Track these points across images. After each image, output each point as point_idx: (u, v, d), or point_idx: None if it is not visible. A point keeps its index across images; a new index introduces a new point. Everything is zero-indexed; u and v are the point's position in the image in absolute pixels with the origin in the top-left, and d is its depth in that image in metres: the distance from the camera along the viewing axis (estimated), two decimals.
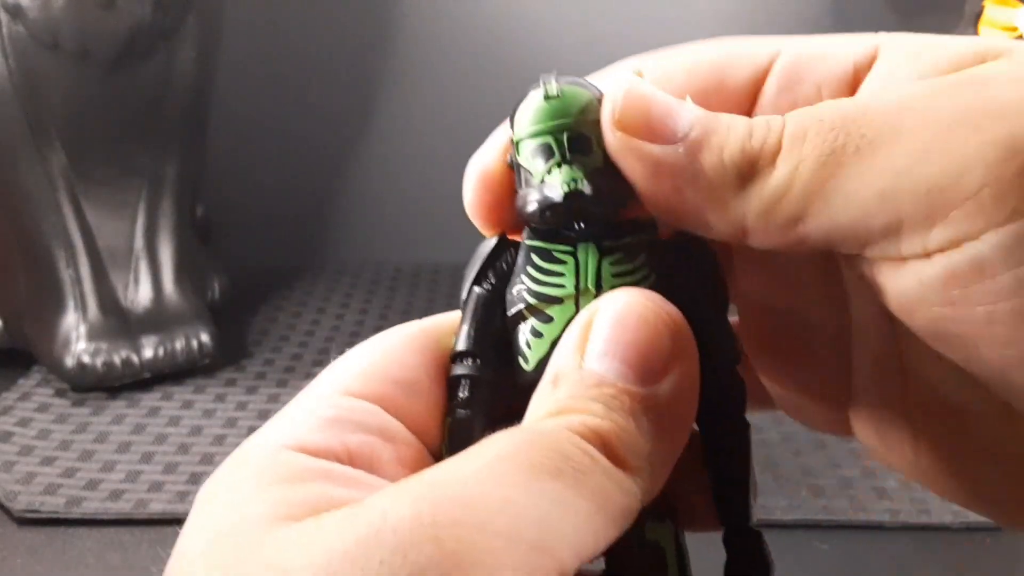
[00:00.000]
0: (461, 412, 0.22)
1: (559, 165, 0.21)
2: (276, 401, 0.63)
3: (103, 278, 0.65)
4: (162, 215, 0.68)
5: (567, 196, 0.20)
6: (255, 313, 0.78)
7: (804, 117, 0.19)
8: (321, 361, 0.69)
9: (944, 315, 0.19)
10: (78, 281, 0.64)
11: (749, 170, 0.19)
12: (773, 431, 0.60)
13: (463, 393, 0.22)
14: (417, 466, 0.21)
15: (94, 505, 0.51)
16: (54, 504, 0.51)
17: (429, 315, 0.23)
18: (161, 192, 0.68)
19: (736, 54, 0.22)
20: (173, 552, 0.19)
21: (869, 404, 0.24)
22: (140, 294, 0.66)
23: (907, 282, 0.19)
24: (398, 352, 0.22)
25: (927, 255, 0.18)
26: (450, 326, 0.23)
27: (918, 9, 0.87)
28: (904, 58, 0.20)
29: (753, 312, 0.25)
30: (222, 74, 0.72)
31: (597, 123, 0.21)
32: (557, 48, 0.85)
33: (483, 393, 0.22)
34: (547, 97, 0.21)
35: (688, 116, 0.20)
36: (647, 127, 0.20)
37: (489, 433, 0.20)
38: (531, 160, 0.21)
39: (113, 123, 0.65)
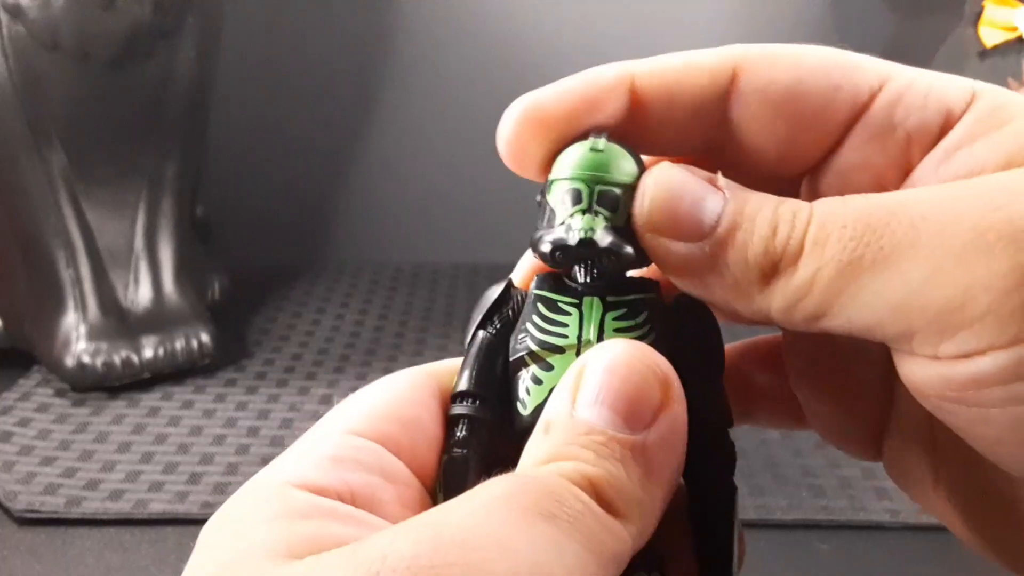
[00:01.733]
0: (457, 451, 0.22)
1: (583, 212, 0.21)
2: (276, 401, 0.63)
3: (103, 278, 0.65)
4: (162, 215, 0.68)
5: (581, 242, 0.21)
6: (255, 313, 0.78)
7: (828, 219, 0.20)
8: (321, 361, 0.69)
9: (943, 405, 0.20)
10: (78, 281, 0.64)
11: (771, 270, 0.20)
12: (773, 431, 0.60)
13: (461, 432, 0.22)
14: (416, 505, 0.21)
15: (94, 505, 0.51)
16: (54, 504, 0.51)
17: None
18: (161, 192, 0.68)
19: (844, 75, 0.22)
20: None
21: (901, 439, 0.24)
22: (140, 294, 0.66)
23: (916, 368, 0.20)
24: (402, 392, 0.22)
25: (935, 358, 0.19)
26: (453, 368, 0.23)
27: (918, 9, 0.87)
28: (988, 123, 0.21)
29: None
30: (222, 74, 0.72)
31: (630, 188, 0.22)
32: (558, 48, 0.85)
33: (481, 433, 0.22)
34: (593, 149, 0.22)
35: (714, 209, 0.20)
36: (674, 225, 0.21)
37: (484, 474, 0.21)
38: (559, 201, 0.22)
39: (113, 123, 0.65)
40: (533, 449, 0.20)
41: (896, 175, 0.22)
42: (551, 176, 0.22)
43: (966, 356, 0.18)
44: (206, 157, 0.73)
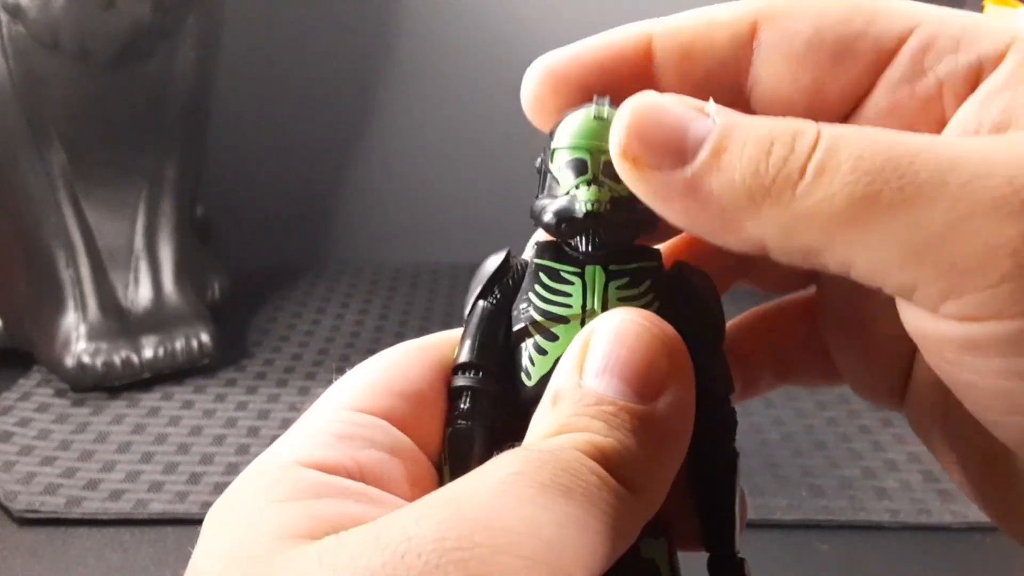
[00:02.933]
0: (461, 423, 0.22)
1: (588, 183, 0.21)
2: (276, 401, 0.63)
3: (103, 278, 0.65)
4: (162, 215, 0.68)
5: (587, 215, 0.21)
6: (255, 313, 0.78)
7: (841, 144, 0.18)
8: (321, 361, 0.69)
9: (938, 362, 0.19)
10: (78, 281, 0.64)
11: (762, 193, 0.18)
12: (773, 431, 0.60)
13: (464, 404, 0.22)
14: (424, 481, 0.21)
15: (94, 505, 0.51)
16: (54, 504, 0.51)
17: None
18: (161, 192, 0.68)
19: (867, 21, 0.21)
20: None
21: (920, 391, 0.24)
22: (140, 294, 0.66)
23: (915, 319, 0.19)
24: (403, 366, 0.22)
25: (933, 312, 0.18)
26: (454, 341, 0.23)
27: None
28: None
29: (834, 281, 0.24)
30: (222, 74, 0.72)
31: None
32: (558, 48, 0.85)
33: (484, 405, 0.22)
34: (596, 117, 0.22)
35: (699, 134, 0.19)
36: (653, 153, 0.19)
37: (489, 445, 0.21)
38: (563, 170, 0.22)
39: (113, 123, 0.65)
40: (541, 420, 0.20)
41: (929, 124, 0.21)
42: (553, 144, 0.22)
43: (967, 319, 0.17)
44: (206, 157, 0.73)
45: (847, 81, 0.21)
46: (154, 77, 0.65)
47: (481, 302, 0.23)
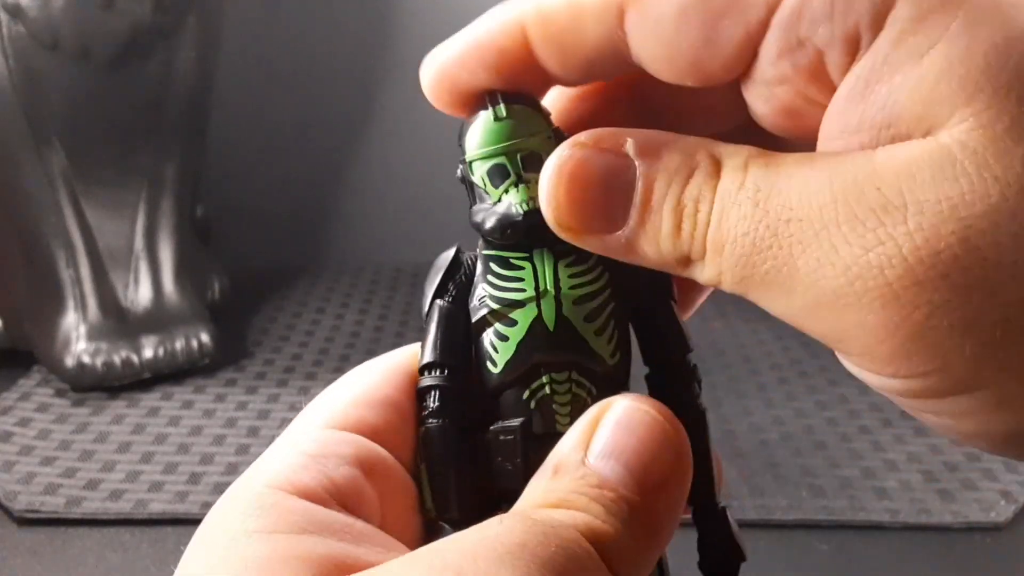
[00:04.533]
0: (432, 422, 0.22)
1: (515, 185, 0.22)
2: (276, 401, 0.63)
3: (103, 278, 0.65)
4: (162, 215, 0.68)
5: (526, 215, 0.22)
6: (255, 313, 0.78)
7: (724, 220, 0.20)
8: (321, 361, 0.69)
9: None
10: (78, 281, 0.64)
11: (684, 260, 0.21)
12: (773, 431, 0.60)
13: (433, 403, 0.22)
14: (395, 494, 0.21)
15: (94, 505, 0.51)
16: (54, 504, 0.51)
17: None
18: (161, 192, 0.68)
19: (727, 4, 0.20)
20: None
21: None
22: (140, 294, 0.66)
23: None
24: (373, 379, 0.23)
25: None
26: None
27: None
28: (908, 49, 0.19)
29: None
30: (222, 74, 0.72)
31: (547, 141, 0.22)
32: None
33: (452, 401, 0.22)
34: (497, 119, 0.22)
35: (623, 188, 0.20)
36: (586, 222, 0.21)
37: (460, 440, 0.22)
38: (487, 180, 0.22)
39: (113, 123, 0.65)
40: (539, 486, 0.20)
41: (819, 90, 0.20)
42: (467, 156, 0.23)
43: (863, 369, 0.20)
44: (206, 157, 0.73)
45: (724, 58, 0.21)
46: (154, 77, 0.65)
47: (438, 301, 0.23)
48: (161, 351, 0.64)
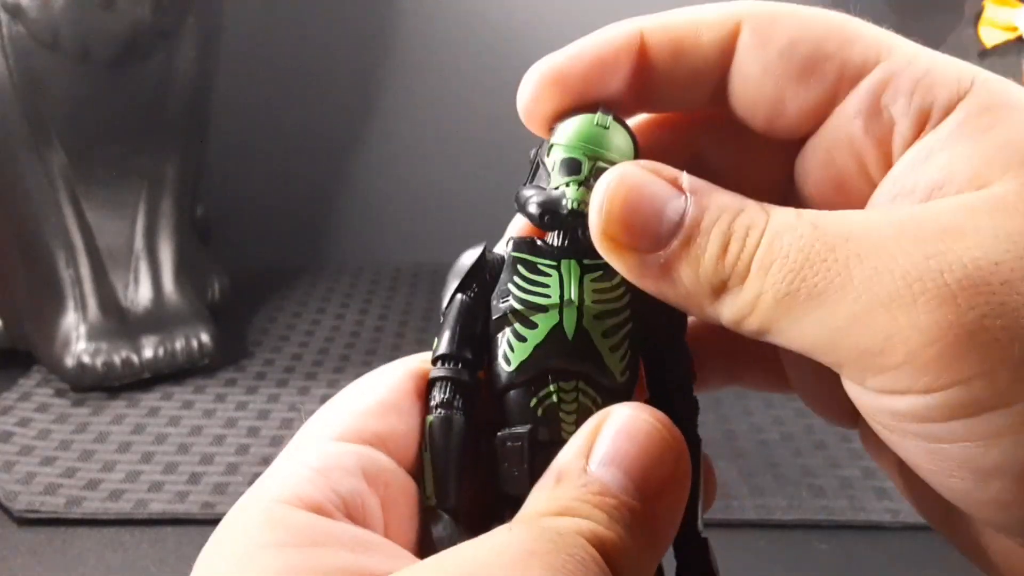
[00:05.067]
0: (439, 412, 0.22)
1: (579, 184, 0.22)
2: (276, 401, 0.63)
3: (103, 278, 0.65)
4: (162, 215, 0.68)
5: (571, 212, 0.22)
6: (255, 313, 0.78)
7: (776, 241, 0.20)
8: (321, 361, 0.69)
9: (874, 424, 0.21)
10: (78, 281, 0.64)
11: (721, 287, 0.21)
12: (773, 431, 0.60)
13: (443, 394, 0.22)
14: (397, 503, 0.21)
15: (94, 505, 0.51)
16: (54, 504, 0.51)
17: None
18: (161, 192, 0.68)
19: (840, 44, 0.22)
20: None
21: None
22: (140, 294, 0.66)
23: (850, 387, 0.21)
24: (377, 387, 0.23)
25: (861, 385, 0.20)
26: (421, 357, 0.24)
27: (918, 9, 0.87)
28: (974, 125, 0.21)
29: None
30: (222, 74, 0.72)
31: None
32: (559, 48, 0.85)
33: (462, 394, 0.23)
34: (599, 125, 0.23)
35: (673, 218, 0.21)
36: (632, 237, 0.21)
37: (467, 433, 0.22)
38: (556, 166, 0.23)
39: (113, 123, 0.65)
40: (542, 494, 0.21)
41: (878, 159, 0.22)
42: (553, 140, 0.23)
43: (886, 392, 0.20)
44: (206, 157, 0.73)
45: (806, 98, 0.22)
46: (154, 77, 0.65)
47: (459, 295, 0.23)
48: (161, 351, 0.64)
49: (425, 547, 0.21)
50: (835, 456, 0.57)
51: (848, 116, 0.22)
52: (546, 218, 0.22)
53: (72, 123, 0.63)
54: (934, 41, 0.89)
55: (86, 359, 0.62)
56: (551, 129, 0.24)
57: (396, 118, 0.89)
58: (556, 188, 0.22)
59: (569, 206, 0.22)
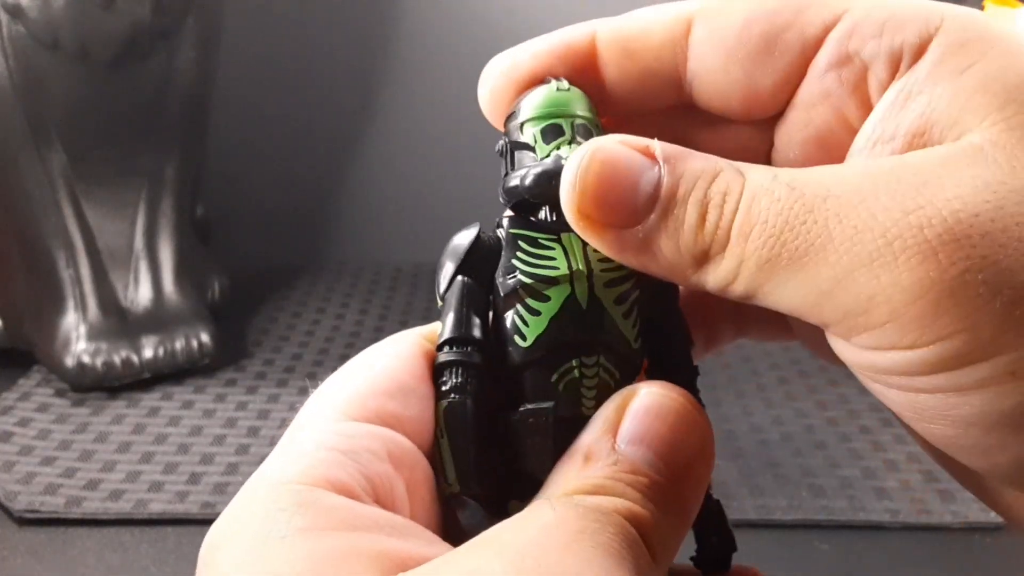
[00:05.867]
0: (454, 397, 0.22)
1: (569, 143, 0.22)
2: (276, 401, 0.63)
3: (103, 278, 0.65)
4: (162, 215, 0.68)
5: None
6: (255, 313, 0.78)
7: (754, 205, 0.20)
8: (321, 361, 0.69)
9: (860, 378, 0.21)
10: (78, 281, 0.64)
11: (702, 257, 0.21)
12: (773, 431, 0.60)
13: (454, 379, 0.22)
14: (418, 486, 0.21)
15: (94, 505, 0.51)
16: (54, 504, 0.51)
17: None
18: (161, 192, 0.68)
19: (795, 12, 0.22)
20: None
21: None
22: (140, 294, 0.66)
23: (834, 343, 0.21)
24: (388, 365, 0.22)
25: (847, 342, 0.20)
26: (424, 331, 0.23)
27: None
28: (949, 65, 0.21)
29: None
30: (222, 74, 0.72)
31: (596, 126, 0.23)
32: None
33: (473, 377, 0.22)
34: (559, 89, 0.23)
35: (647, 189, 0.21)
36: (607, 213, 0.21)
37: (480, 416, 0.22)
38: (539, 138, 0.23)
39: (113, 123, 0.65)
40: (571, 473, 0.21)
41: (857, 108, 0.22)
42: (519, 119, 0.23)
43: (871, 349, 0.20)
44: (206, 157, 0.73)
45: (776, 72, 0.22)
46: (154, 77, 0.65)
47: (460, 277, 0.23)
48: (161, 351, 0.64)
49: (452, 534, 0.21)
50: (835, 456, 0.57)
51: (820, 73, 0.22)
52: (553, 181, 0.22)
53: (72, 123, 0.63)
54: None
55: (86, 359, 0.62)
56: (510, 116, 0.23)
57: (396, 118, 0.89)
58: (547, 156, 0.22)
59: None
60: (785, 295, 0.20)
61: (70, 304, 0.64)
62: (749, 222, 0.20)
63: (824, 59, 0.22)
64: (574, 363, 0.22)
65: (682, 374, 0.23)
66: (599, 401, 0.22)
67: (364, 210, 0.91)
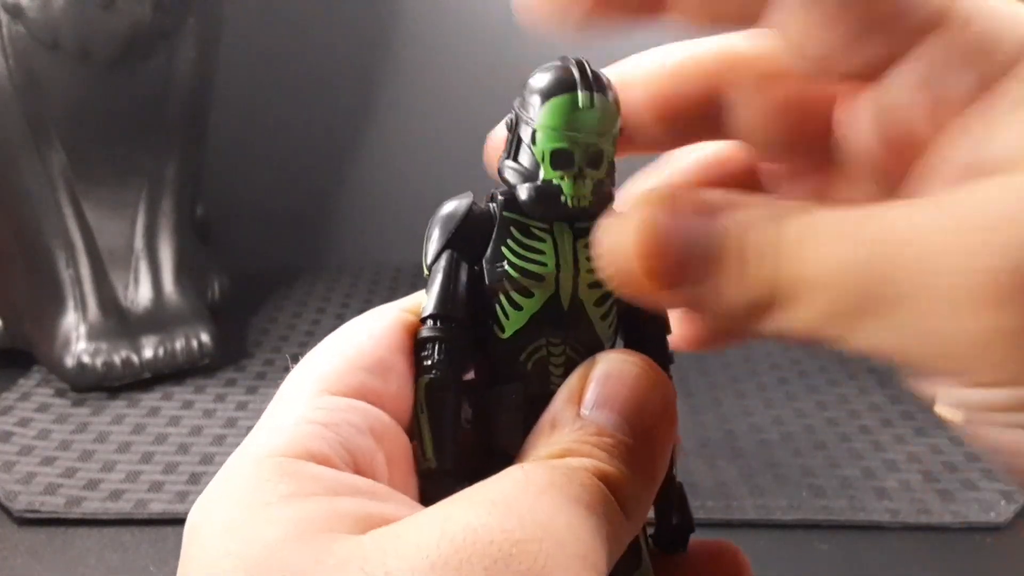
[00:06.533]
0: (435, 373, 0.22)
1: (574, 178, 0.22)
2: None
3: (103, 278, 0.65)
4: (162, 215, 0.68)
5: (574, 208, 0.22)
6: (255, 313, 0.78)
7: (826, 259, 0.19)
8: None
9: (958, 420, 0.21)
10: (78, 281, 0.64)
11: (766, 306, 0.19)
12: (773, 431, 0.60)
13: (435, 355, 0.22)
14: (398, 459, 0.22)
15: (94, 505, 0.51)
16: (54, 504, 0.51)
17: None
18: (161, 192, 0.68)
19: None
20: None
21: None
22: (140, 294, 0.66)
23: (920, 381, 0.21)
24: (366, 340, 0.23)
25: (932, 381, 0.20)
26: (404, 305, 0.24)
27: None
28: None
29: None
30: (222, 74, 0.72)
31: (614, 141, 0.23)
32: (559, 49, 0.85)
33: (453, 354, 0.22)
34: (583, 106, 0.22)
35: (703, 248, 0.19)
36: (665, 282, 0.20)
37: (460, 393, 0.22)
38: (546, 157, 0.22)
39: (113, 123, 0.65)
40: (541, 442, 0.21)
41: (934, 120, 0.21)
42: (537, 123, 0.22)
43: (953, 386, 0.19)
44: (206, 157, 0.73)
45: (867, 56, 0.21)
46: (154, 77, 0.65)
47: (447, 252, 0.23)
48: (161, 351, 0.64)
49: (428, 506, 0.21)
50: (835, 456, 0.57)
51: (907, 77, 0.20)
52: (539, 208, 0.22)
53: (72, 123, 0.63)
54: None
55: (86, 359, 0.62)
56: (524, 88, 0.23)
57: (396, 118, 0.89)
58: (550, 181, 0.22)
59: (571, 204, 0.22)
60: (860, 342, 0.19)
61: (70, 304, 0.64)
62: (823, 271, 0.19)
63: (912, 65, 0.20)
64: (542, 342, 0.22)
65: (656, 358, 0.23)
66: (566, 377, 0.22)
67: (364, 210, 0.91)
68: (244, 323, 0.75)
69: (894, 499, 0.52)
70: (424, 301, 0.23)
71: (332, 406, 0.21)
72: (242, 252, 0.83)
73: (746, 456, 0.57)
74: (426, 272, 0.23)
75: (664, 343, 0.24)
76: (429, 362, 0.22)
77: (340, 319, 0.76)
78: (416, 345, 0.23)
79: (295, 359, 0.23)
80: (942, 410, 0.21)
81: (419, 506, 0.20)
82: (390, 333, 0.23)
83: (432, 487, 0.22)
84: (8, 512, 0.51)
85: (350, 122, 0.90)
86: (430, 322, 0.23)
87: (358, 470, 0.20)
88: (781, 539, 0.50)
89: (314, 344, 0.23)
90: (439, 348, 0.22)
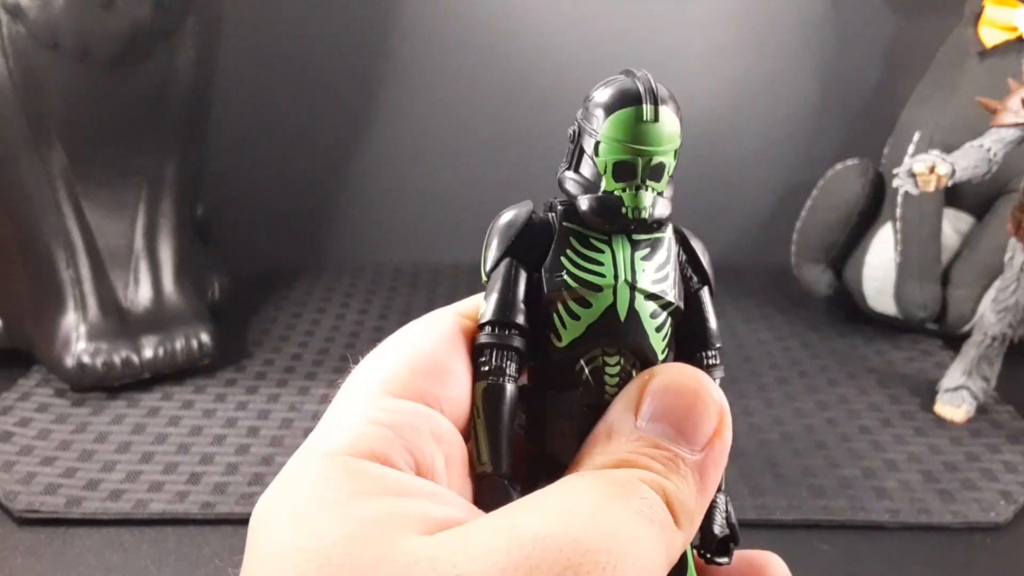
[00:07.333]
0: (492, 379, 0.23)
1: (637, 189, 0.22)
2: (276, 401, 0.63)
3: (103, 278, 0.65)
4: (162, 215, 0.68)
5: (633, 220, 0.22)
6: (255, 313, 0.78)
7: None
8: (321, 361, 0.69)
9: None
10: (78, 281, 0.64)
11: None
12: (773, 431, 0.60)
13: (493, 361, 0.23)
14: (454, 461, 0.22)
15: (94, 505, 0.51)
16: (54, 504, 0.51)
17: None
18: (161, 192, 0.68)
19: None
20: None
21: None
22: (140, 294, 0.66)
23: None
24: (426, 344, 0.23)
25: None
26: (462, 309, 0.24)
27: (918, 9, 0.87)
28: None
29: None
30: (222, 74, 0.72)
31: (675, 155, 0.23)
32: (558, 48, 0.85)
33: (511, 360, 0.23)
34: (647, 119, 0.22)
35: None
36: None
37: (517, 400, 0.22)
38: (609, 169, 0.23)
39: (113, 123, 0.65)
40: (598, 451, 0.22)
41: None
42: (600, 133, 0.22)
43: None
44: (206, 157, 0.73)
45: None
46: (154, 77, 0.65)
47: (507, 259, 0.23)
48: (161, 351, 0.64)
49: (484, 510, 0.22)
50: (835, 456, 0.57)
51: None
52: (598, 219, 0.22)
53: (72, 123, 0.63)
54: (934, 41, 0.88)
55: (86, 359, 0.62)
56: (587, 99, 0.23)
57: (396, 118, 0.90)
58: (611, 192, 0.22)
59: (631, 215, 0.22)
60: None
61: (70, 304, 0.64)
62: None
63: None
64: (598, 351, 0.23)
65: (709, 368, 0.24)
66: (622, 387, 0.22)
67: (364, 210, 0.91)
68: (244, 323, 0.75)
69: (894, 499, 0.52)
70: (481, 306, 0.23)
71: (395, 408, 0.21)
72: (242, 252, 0.83)
73: (746, 456, 0.57)
74: (484, 279, 0.23)
75: (714, 354, 0.24)
76: (487, 368, 0.23)
77: (340, 319, 0.76)
78: (474, 350, 0.23)
79: (354, 360, 0.23)
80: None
81: (476, 509, 0.21)
82: (449, 337, 0.23)
83: (486, 490, 0.22)
84: (8, 512, 0.51)
85: (350, 122, 0.90)
86: (488, 328, 0.23)
87: (419, 472, 0.21)
88: (781, 539, 0.50)
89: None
90: (497, 354, 0.23)
